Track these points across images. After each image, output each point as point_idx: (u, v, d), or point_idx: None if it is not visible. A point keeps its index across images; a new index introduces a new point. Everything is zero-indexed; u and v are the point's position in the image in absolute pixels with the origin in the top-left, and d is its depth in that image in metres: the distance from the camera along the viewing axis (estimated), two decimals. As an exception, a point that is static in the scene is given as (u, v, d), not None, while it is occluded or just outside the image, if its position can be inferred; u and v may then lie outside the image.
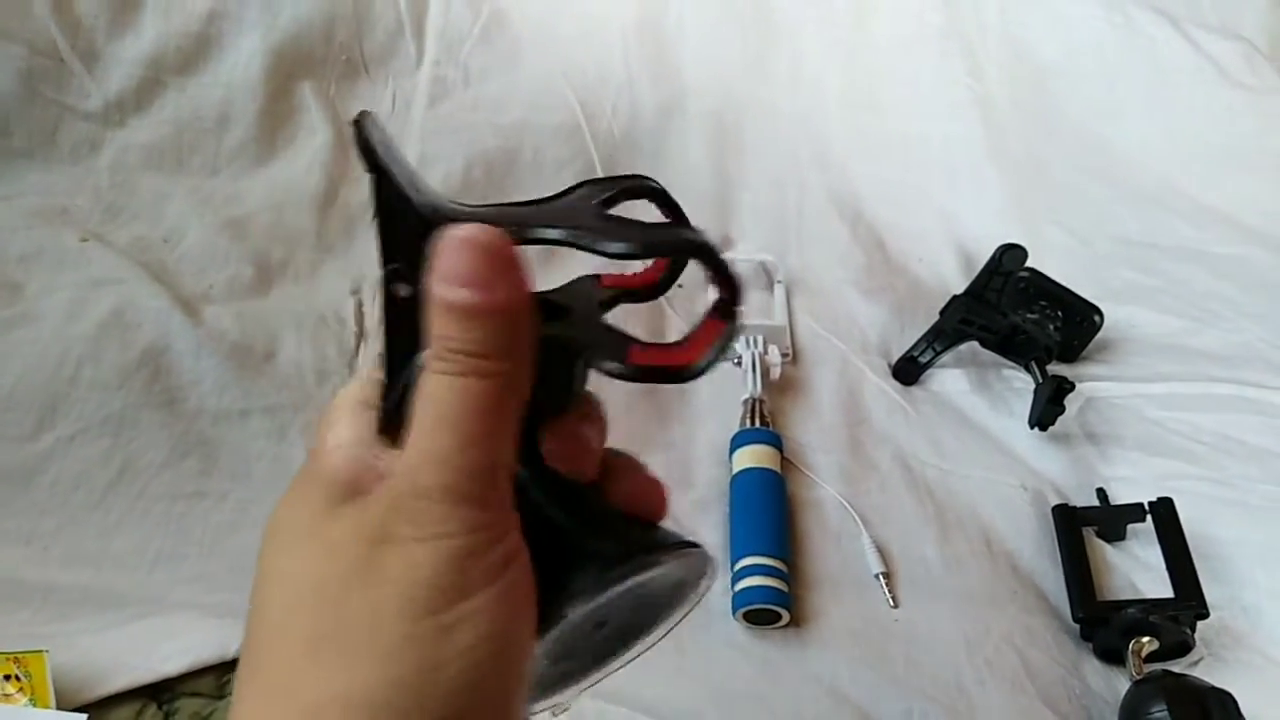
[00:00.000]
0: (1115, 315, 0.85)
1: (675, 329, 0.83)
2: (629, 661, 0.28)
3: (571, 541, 0.26)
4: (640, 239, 0.24)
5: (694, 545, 0.27)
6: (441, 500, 0.22)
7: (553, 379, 0.26)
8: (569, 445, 0.26)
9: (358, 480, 0.24)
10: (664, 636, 0.29)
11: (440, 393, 0.22)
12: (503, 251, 0.22)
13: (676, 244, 0.26)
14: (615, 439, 0.28)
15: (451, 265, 0.22)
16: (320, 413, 0.27)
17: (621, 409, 0.76)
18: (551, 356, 0.25)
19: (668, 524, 0.28)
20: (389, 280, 0.24)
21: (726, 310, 0.26)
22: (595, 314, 0.28)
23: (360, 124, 0.24)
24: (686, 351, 0.26)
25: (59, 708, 0.51)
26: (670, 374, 0.26)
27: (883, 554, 0.67)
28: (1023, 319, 0.79)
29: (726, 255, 0.26)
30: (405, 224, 0.24)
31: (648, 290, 0.30)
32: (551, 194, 0.28)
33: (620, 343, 0.26)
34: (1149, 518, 0.68)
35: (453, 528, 0.22)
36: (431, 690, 0.21)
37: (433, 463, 0.22)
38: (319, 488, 0.24)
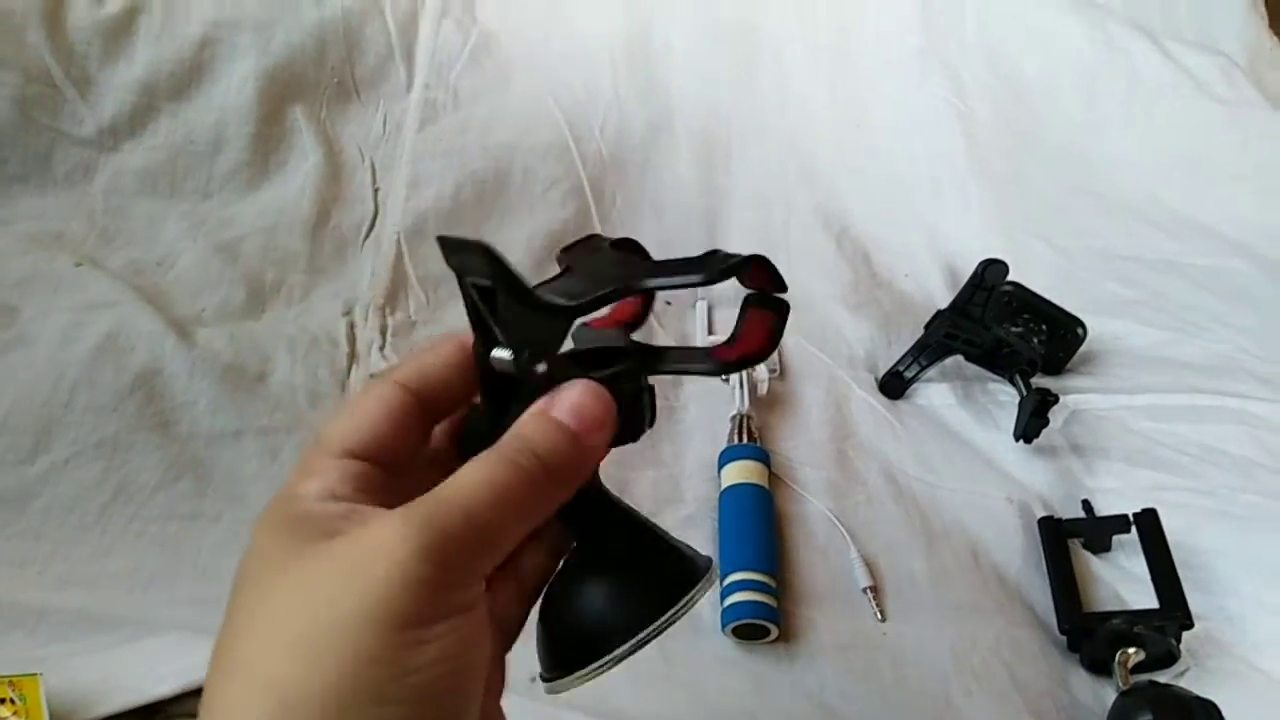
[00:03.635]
0: (1099, 328, 0.86)
1: (664, 343, 0.84)
2: (622, 657, 0.30)
3: (628, 581, 0.30)
4: (714, 268, 0.30)
5: (709, 560, 0.31)
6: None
7: (633, 412, 0.30)
8: None
9: (331, 525, 0.27)
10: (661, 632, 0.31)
11: (498, 474, 0.27)
12: (611, 413, 0.29)
13: (739, 262, 0.30)
14: (607, 459, 0.31)
15: (579, 405, 0.28)
16: (301, 459, 0.30)
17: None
18: (629, 394, 0.30)
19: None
20: (529, 360, 0.29)
21: (764, 299, 0.31)
22: (631, 344, 0.33)
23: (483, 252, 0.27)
24: (748, 341, 0.32)
25: (53, 730, 0.52)
26: (747, 361, 0.31)
27: (870, 568, 0.67)
28: (1007, 333, 0.80)
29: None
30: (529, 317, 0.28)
31: (632, 324, 0.34)
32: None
33: (693, 351, 0.32)
34: (1134, 529, 0.69)
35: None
36: (394, 693, 0.24)
37: (461, 515, 0.26)
38: (294, 530, 0.27)
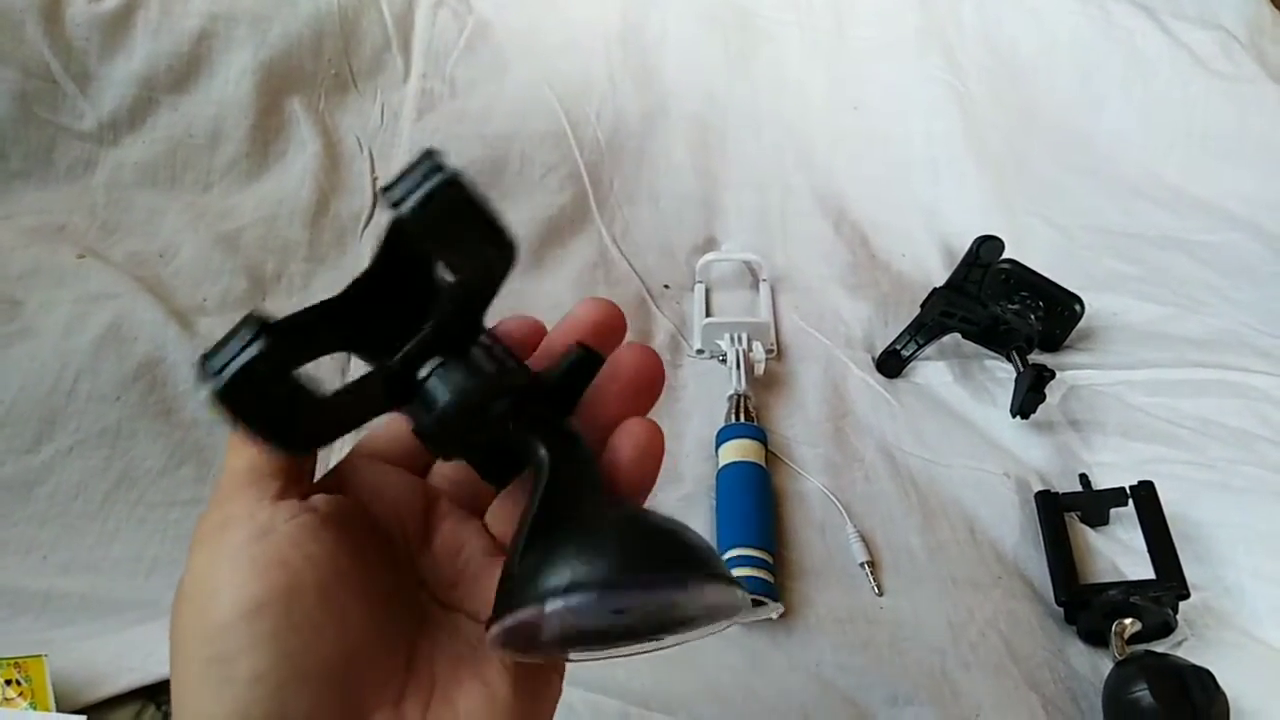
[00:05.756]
0: (1098, 304, 0.86)
1: (663, 329, 0.85)
2: (635, 653, 0.29)
3: (613, 534, 0.27)
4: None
5: (735, 581, 0.28)
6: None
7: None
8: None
9: None
10: (676, 644, 0.30)
11: None
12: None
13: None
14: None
15: None
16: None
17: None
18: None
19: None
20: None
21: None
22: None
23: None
24: None
25: (58, 710, 0.52)
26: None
27: (867, 543, 0.67)
28: (1004, 310, 0.80)
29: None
30: None
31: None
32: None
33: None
34: (1131, 501, 0.69)
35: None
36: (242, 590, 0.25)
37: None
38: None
